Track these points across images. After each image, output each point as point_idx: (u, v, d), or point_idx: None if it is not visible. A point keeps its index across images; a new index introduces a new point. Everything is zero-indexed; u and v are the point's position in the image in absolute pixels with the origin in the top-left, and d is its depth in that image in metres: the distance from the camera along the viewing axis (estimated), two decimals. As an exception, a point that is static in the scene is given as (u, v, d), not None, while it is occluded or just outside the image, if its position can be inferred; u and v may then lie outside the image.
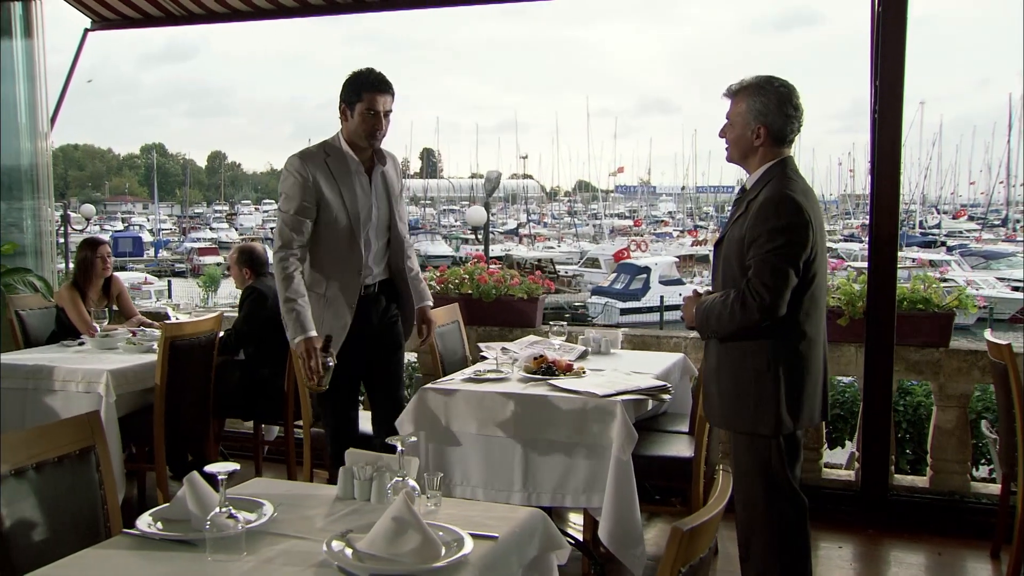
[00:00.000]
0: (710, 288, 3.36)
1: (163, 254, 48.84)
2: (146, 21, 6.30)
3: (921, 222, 53.95)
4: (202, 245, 47.85)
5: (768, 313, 2.91)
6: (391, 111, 3.64)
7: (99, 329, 4.89)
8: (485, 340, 5.15)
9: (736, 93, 3.11)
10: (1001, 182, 59.78)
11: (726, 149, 3.16)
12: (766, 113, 3.02)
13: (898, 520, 4.60)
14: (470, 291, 5.45)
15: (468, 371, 4.14)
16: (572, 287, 33.23)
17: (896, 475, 4.94)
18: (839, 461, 5.58)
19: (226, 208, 79.02)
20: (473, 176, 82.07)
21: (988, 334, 4.16)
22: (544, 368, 4.00)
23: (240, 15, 6.06)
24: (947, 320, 4.82)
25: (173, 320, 5.31)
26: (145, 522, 2.12)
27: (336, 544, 1.97)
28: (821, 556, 4.29)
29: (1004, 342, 3.89)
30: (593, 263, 36.50)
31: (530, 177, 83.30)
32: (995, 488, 4.53)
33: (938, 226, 52.94)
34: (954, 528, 4.49)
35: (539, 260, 36.77)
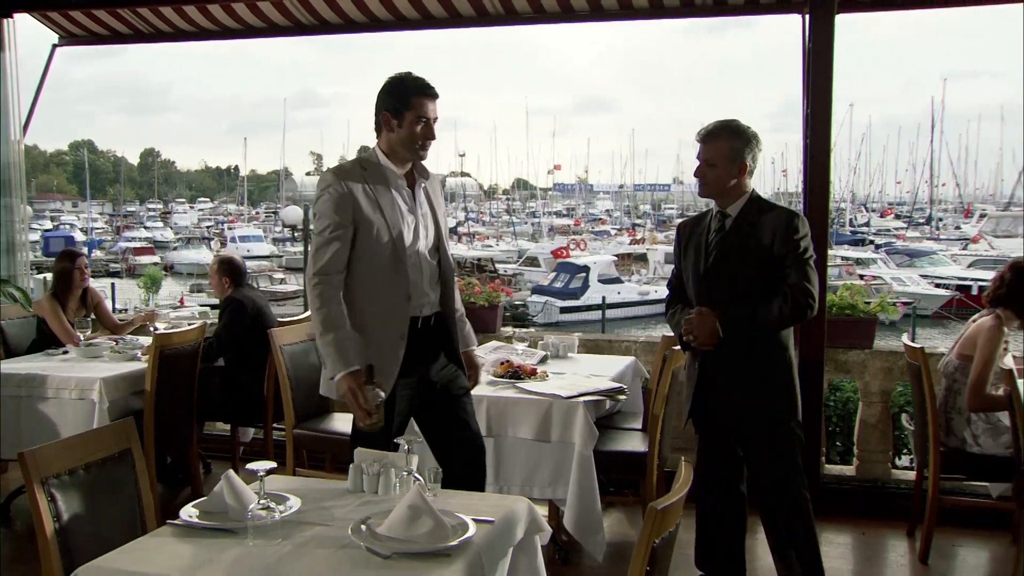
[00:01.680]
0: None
1: (96, 254, 47.90)
2: (114, 38, 6.51)
3: (851, 220, 55.58)
4: (137, 244, 47.13)
5: (815, 309, 3.45)
6: (437, 118, 3.35)
7: (83, 338, 5.14)
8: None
9: (712, 135, 3.52)
10: (925, 181, 61.95)
11: (703, 186, 3.56)
12: (744, 151, 3.49)
13: (828, 505, 5.04)
14: (434, 299, 5.78)
15: (440, 375, 4.48)
16: (512, 286, 33.64)
17: (827, 465, 5.42)
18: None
19: (160, 206, 77.89)
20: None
21: (905, 338, 4.64)
22: (511, 372, 4.38)
23: (208, 34, 6.31)
24: (871, 324, 5.32)
25: (150, 328, 5.56)
26: (187, 513, 2.44)
27: (359, 529, 2.32)
28: (759, 539, 4.70)
29: (918, 345, 4.37)
30: (532, 262, 36.89)
31: (468, 175, 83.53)
32: (913, 475, 5.02)
33: (867, 224, 54.62)
34: (877, 511, 4.97)
35: (479, 259, 37.01)
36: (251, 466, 2.35)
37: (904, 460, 5.96)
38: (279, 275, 35.99)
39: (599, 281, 29.28)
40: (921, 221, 55.59)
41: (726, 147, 3.47)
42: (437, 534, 2.28)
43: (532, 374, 4.40)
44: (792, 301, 3.38)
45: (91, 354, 5.00)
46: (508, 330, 5.81)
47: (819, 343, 5.02)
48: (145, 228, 58.77)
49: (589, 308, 27.40)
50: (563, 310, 27.87)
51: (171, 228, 60.06)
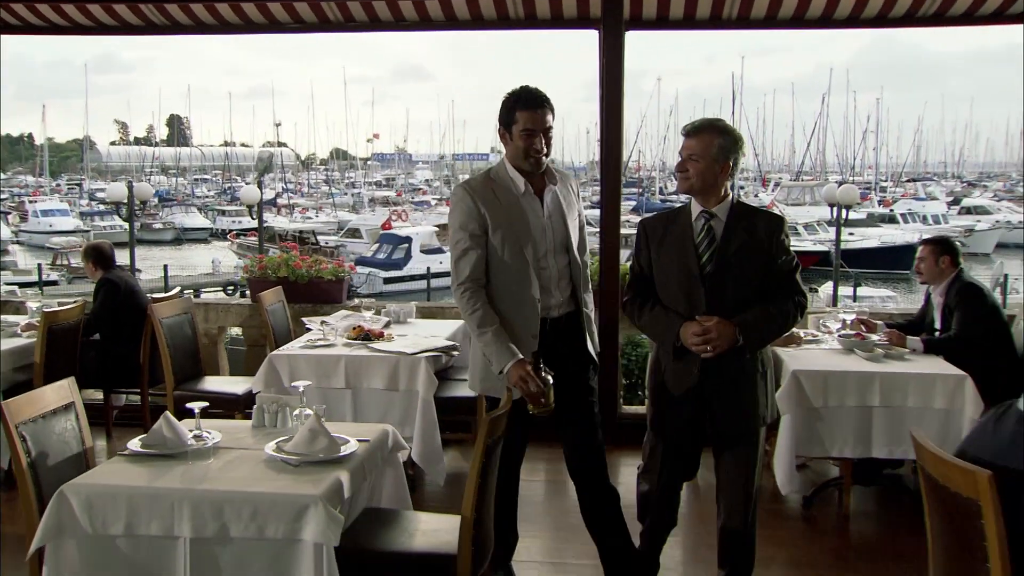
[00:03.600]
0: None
1: None
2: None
3: (661, 188, 58.70)
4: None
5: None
6: (551, 127, 3.48)
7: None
8: (300, 315, 6.25)
9: (701, 130, 3.38)
10: (726, 151, 65.79)
11: (683, 180, 3.44)
12: (730, 150, 3.39)
13: (625, 437, 6.16)
14: (286, 275, 6.55)
15: (302, 340, 5.29)
16: (334, 258, 33.76)
17: (625, 406, 6.57)
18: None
19: (-61, 178, 72.46)
20: (226, 144, 79.90)
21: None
22: (362, 335, 5.23)
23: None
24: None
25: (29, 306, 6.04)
26: (134, 446, 3.18)
27: (272, 448, 3.15)
28: (569, 466, 5.80)
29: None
30: (354, 233, 37.11)
31: (284, 145, 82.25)
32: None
33: (676, 192, 57.82)
34: (634, 440, 6.12)
35: (300, 231, 36.91)
36: (189, 405, 3.14)
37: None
38: (92, 250, 34.54)
39: (422, 252, 29.83)
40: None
41: (712, 143, 3.36)
42: (331, 449, 3.14)
43: (380, 336, 5.27)
44: (801, 308, 3.41)
45: (-30, 333, 5.48)
46: (354, 301, 6.64)
47: (615, 303, 6.11)
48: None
49: (412, 278, 28.00)
50: (386, 280, 28.39)
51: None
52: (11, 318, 5.88)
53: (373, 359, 4.94)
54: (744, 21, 6.38)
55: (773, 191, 53.24)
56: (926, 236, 6.35)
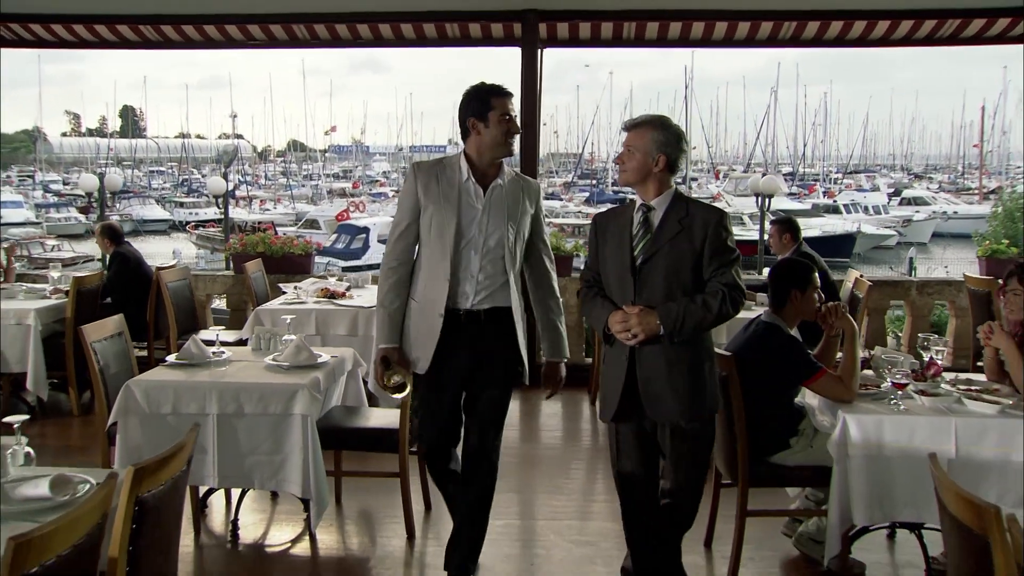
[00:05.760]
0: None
1: None
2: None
3: (614, 181, 60.17)
4: None
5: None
6: (517, 115, 3.66)
7: (-3, 285, 6.84)
8: (276, 283, 7.56)
9: (638, 125, 3.47)
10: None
11: (621, 173, 3.53)
12: (667, 145, 3.44)
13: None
14: (264, 250, 7.89)
15: (280, 300, 6.62)
16: (294, 247, 34.41)
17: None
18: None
19: None
20: (182, 135, 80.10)
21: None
22: (329, 295, 6.58)
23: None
24: (569, 260, 7.90)
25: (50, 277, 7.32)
26: (171, 359, 4.52)
27: (270, 359, 4.50)
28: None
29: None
30: (312, 224, 37.92)
31: (241, 137, 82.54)
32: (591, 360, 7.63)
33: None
34: (575, 383, 7.52)
35: (259, 222, 37.55)
36: (208, 331, 4.46)
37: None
38: (52, 242, 34.61)
39: (379, 241, 30.56)
40: (679, 181, 60.58)
41: (649, 137, 3.43)
42: (311, 358, 4.50)
43: (342, 295, 6.63)
44: (731, 299, 3.36)
45: (8, 295, 6.73)
46: (321, 272, 7.99)
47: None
48: None
49: (371, 267, 28.88)
50: (345, 270, 29.18)
51: None
52: (37, 286, 7.13)
53: (338, 311, 6.30)
54: (640, 40, 7.84)
55: (721, 182, 54.83)
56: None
